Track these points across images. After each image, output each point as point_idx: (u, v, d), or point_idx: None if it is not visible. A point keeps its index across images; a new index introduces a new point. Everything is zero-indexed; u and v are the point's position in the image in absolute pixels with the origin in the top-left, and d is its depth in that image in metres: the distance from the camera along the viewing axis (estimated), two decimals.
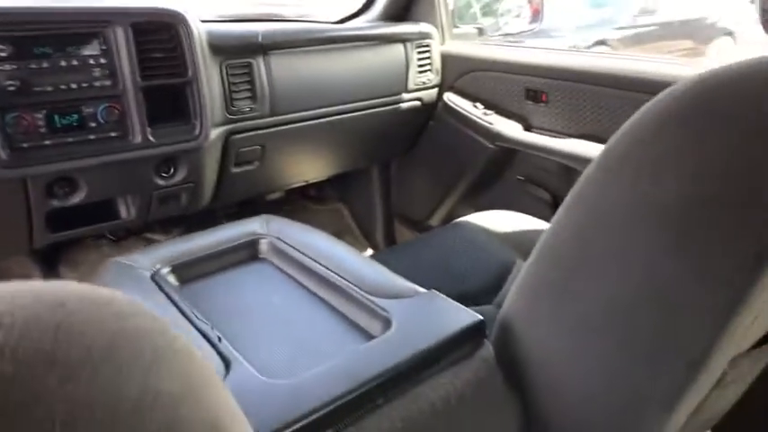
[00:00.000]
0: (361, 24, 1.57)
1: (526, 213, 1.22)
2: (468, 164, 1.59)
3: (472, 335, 0.64)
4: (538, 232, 0.65)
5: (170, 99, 1.15)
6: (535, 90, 1.40)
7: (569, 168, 1.34)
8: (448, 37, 1.64)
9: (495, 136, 1.46)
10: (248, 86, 1.27)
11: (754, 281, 0.47)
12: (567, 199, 0.60)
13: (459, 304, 0.68)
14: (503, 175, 1.56)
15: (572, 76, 1.30)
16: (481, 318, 0.65)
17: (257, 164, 1.40)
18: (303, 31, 1.35)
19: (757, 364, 0.68)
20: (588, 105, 1.29)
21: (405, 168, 1.84)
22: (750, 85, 0.47)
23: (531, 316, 0.63)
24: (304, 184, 1.68)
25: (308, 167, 1.59)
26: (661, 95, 0.53)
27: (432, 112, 1.65)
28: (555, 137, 1.36)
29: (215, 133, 1.23)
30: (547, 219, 0.75)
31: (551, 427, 0.62)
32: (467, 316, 0.65)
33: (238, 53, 1.25)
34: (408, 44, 1.51)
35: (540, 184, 1.45)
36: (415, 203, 1.83)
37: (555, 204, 1.35)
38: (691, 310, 0.50)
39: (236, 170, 1.37)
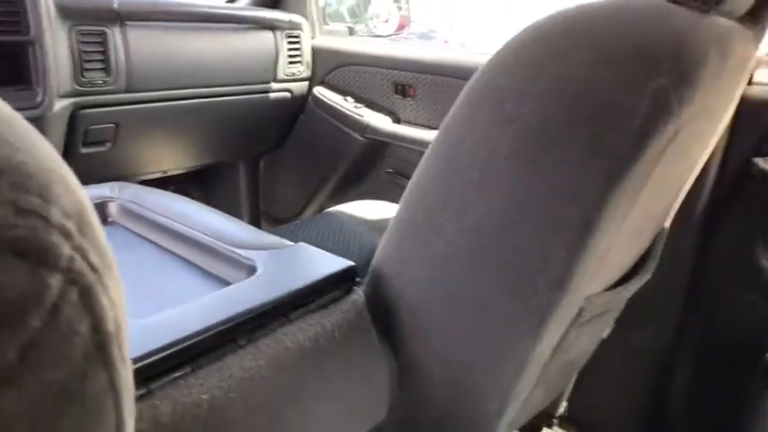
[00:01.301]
0: (230, 5, 1.53)
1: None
2: (338, 157, 1.58)
3: (342, 280, 0.61)
4: None
5: (10, 60, 1.03)
6: (403, 84, 1.44)
7: None
8: (318, 31, 1.63)
9: (365, 128, 1.47)
10: (101, 57, 1.17)
11: (605, 199, 0.50)
12: (432, 143, 0.60)
13: (329, 253, 0.65)
14: (373, 168, 1.57)
15: (438, 69, 1.36)
16: (352, 263, 0.63)
17: (109, 145, 1.28)
18: (165, 4, 1.27)
19: (608, 304, 0.73)
20: (455, 98, 1.34)
21: (273, 166, 1.79)
22: (608, 12, 0.51)
23: (399, 258, 0.62)
24: (162, 175, 1.56)
25: (167, 156, 1.49)
26: (518, 33, 0.55)
27: (302, 105, 1.63)
28: (423, 130, 1.40)
29: (60, 104, 1.11)
30: None
31: (420, 367, 0.61)
32: (337, 262, 0.62)
33: (91, 19, 1.14)
34: (278, 33, 1.49)
35: (410, 176, 1.48)
36: (285, 202, 1.79)
37: None
38: (550, 228, 0.51)
39: (84, 150, 1.24)
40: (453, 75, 1.33)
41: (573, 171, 0.50)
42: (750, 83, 1.02)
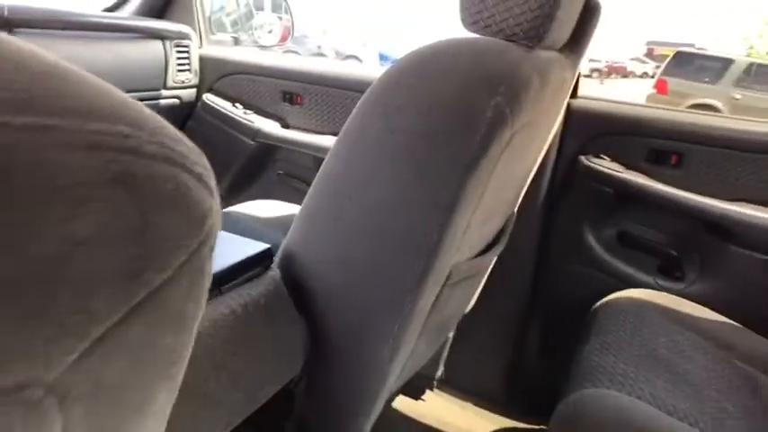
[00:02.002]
0: (120, 16, 1.56)
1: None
2: (229, 162, 1.67)
3: (261, 259, 0.74)
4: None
5: None
6: (291, 93, 1.57)
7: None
8: (206, 42, 1.71)
9: (255, 133, 1.58)
10: None
11: (464, 187, 0.67)
12: (333, 145, 0.75)
13: (246, 238, 0.77)
14: (264, 171, 1.68)
15: (324, 81, 1.51)
16: (268, 246, 0.76)
17: None
18: (55, 12, 1.30)
19: (471, 270, 0.92)
20: (339, 106, 1.51)
21: None
22: (467, 46, 0.69)
23: (307, 239, 0.76)
24: None
25: None
26: (401, 60, 0.72)
27: (190, 111, 1.69)
28: (311, 135, 1.54)
29: None
30: None
31: (325, 324, 0.75)
32: (255, 246, 0.75)
33: None
34: (168, 42, 1.55)
35: (300, 177, 1.61)
36: None
37: None
38: (426, 210, 0.68)
39: None
40: (337, 86, 1.49)
41: (441, 167, 0.67)
42: (575, 96, 1.29)
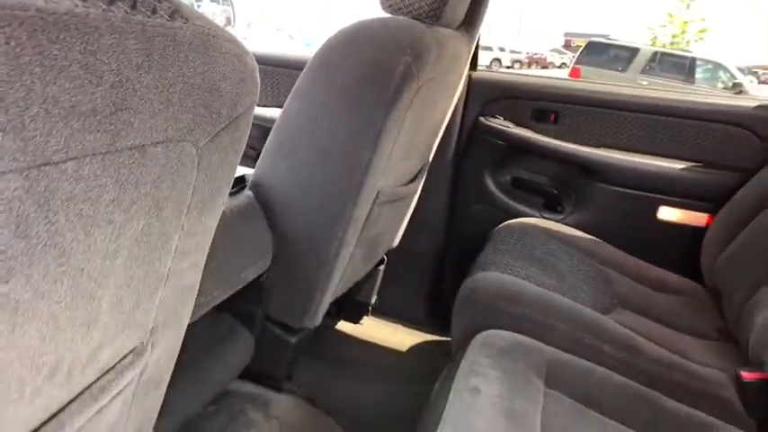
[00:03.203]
0: None
1: None
2: None
3: (237, 182, 0.99)
4: None
5: None
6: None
7: None
8: None
9: None
10: None
11: (384, 125, 0.95)
12: (288, 100, 1.01)
13: None
14: None
15: (270, 61, 1.75)
16: (242, 174, 1.01)
17: None
18: None
19: (395, 196, 1.20)
20: (284, 84, 1.75)
21: None
22: (384, 23, 0.97)
23: (272, 166, 1.02)
24: None
25: None
26: (336, 33, 0.99)
27: None
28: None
29: None
30: None
31: (286, 228, 1.01)
32: None
33: None
34: None
35: (248, 144, 1.84)
36: None
37: None
38: (357, 145, 0.95)
39: None
40: (280, 65, 1.73)
41: (368, 108, 0.95)
42: (474, 68, 1.60)
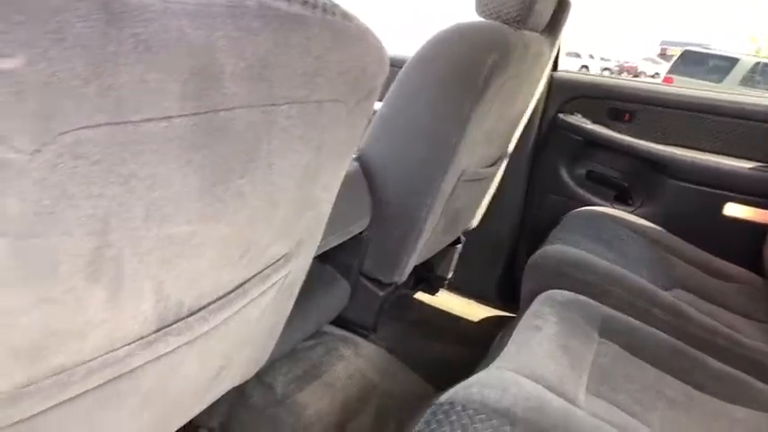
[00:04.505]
0: None
1: None
2: None
3: None
4: None
5: None
6: None
7: None
8: None
9: None
10: None
11: (474, 109, 1.13)
12: (393, 85, 1.21)
13: None
14: None
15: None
16: None
17: None
18: None
19: (477, 175, 1.38)
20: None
21: None
22: (477, 26, 1.15)
23: (376, 141, 1.22)
24: None
25: None
26: (435, 34, 1.18)
27: None
28: None
29: None
30: None
31: (385, 193, 1.21)
32: None
33: None
34: None
35: None
36: None
37: None
38: (449, 120, 1.14)
39: None
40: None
41: (459, 96, 1.13)
42: (555, 69, 1.74)
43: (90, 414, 0.53)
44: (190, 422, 0.99)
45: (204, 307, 0.61)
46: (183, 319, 0.58)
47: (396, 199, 1.23)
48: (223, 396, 0.95)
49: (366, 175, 1.22)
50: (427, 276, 1.81)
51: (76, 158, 0.37)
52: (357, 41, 0.62)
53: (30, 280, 0.39)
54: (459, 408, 0.66)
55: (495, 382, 0.72)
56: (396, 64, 1.96)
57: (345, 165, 0.78)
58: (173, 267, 0.53)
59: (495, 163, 1.50)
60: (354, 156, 1.23)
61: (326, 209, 0.80)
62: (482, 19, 1.25)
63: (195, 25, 0.39)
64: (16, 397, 0.44)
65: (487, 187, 1.62)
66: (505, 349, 0.90)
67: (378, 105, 1.80)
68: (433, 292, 1.86)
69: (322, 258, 1.29)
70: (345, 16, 0.60)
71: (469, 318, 1.79)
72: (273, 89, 0.51)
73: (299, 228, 0.74)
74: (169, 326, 0.56)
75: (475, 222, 1.70)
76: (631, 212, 1.67)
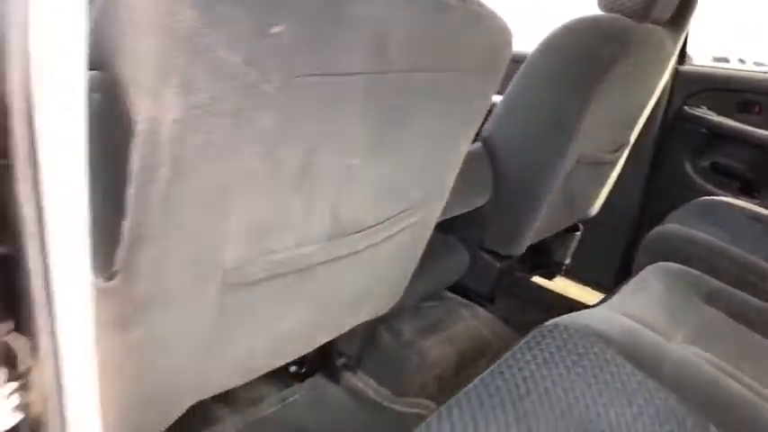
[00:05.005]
0: None
1: None
2: None
3: None
4: None
5: None
6: None
7: None
8: None
9: None
10: None
11: (594, 93, 1.24)
12: (517, 73, 1.34)
13: None
14: None
15: None
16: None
17: None
18: None
19: (594, 159, 1.47)
20: None
21: None
22: (601, 18, 1.26)
23: (499, 124, 1.37)
24: None
25: None
26: (559, 27, 1.30)
27: None
28: None
29: None
30: None
31: (506, 175, 1.35)
32: None
33: None
34: None
35: None
36: None
37: None
38: (569, 104, 1.26)
39: None
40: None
41: (576, 87, 1.24)
42: (682, 62, 1.78)
43: (285, 291, 0.74)
44: (332, 347, 1.20)
45: (361, 230, 0.80)
46: (347, 235, 0.77)
47: (516, 177, 1.36)
48: (359, 330, 1.15)
49: (489, 154, 1.37)
50: (545, 261, 1.90)
51: (302, 97, 0.57)
52: (488, 23, 0.78)
53: (268, 179, 0.60)
54: (561, 328, 0.80)
55: (597, 313, 0.84)
56: (515, 59, 2.09)
57: (474, 129, 0.94)
58: (345, 193, 0.72)
59: (617, 150, 1.57)
60: (480, 138, 1.39)
61: (455, 168, 0.96)
62: (603, 12, 1.35)
63: (382, 5, 0.58)
64: (242, 266, 0.65)
65: (608, 174, 1.69)
66: (610, 299, 1.01)
67: (497, 98, 1.94)
68: (550, 277, 1.95)
69: (446, 229, 1.45)
70: (479, 4, 0.76)
71: (585, 301, 1.87)
72: (426, 59, 0.69)
73: (431, 180, 0.92)
74: (337, 238, 0.76)
75: (594, 210, 1.78)
76: (757, 204, 1.66)
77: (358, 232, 0.79)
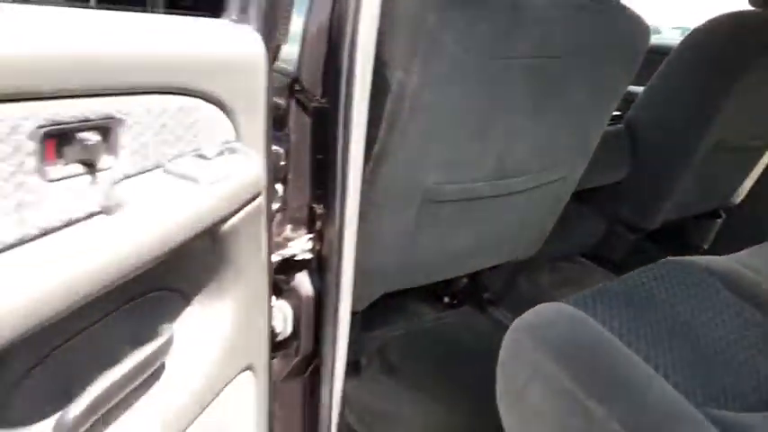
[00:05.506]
0: None
1: None
2: None
3: (614, 118, 1.55)
4: None
5: None
6: None
7: None
8: None
9: None
10: None
11: (732, 86, 1.37)
12: (664, 63, 1.50)
13: None
14: None
15: None
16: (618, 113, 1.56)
17: None
18: None
19: (739, 142, 1.58)
20: None
21: None
22: (743, 14, 1.39)
23: (643, 106, 1.54)
24: None
25: None
26: (703, 24, 1.44)
27: None
28: None
29: None
30: None
31: (644, 153, 1.52)
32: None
33: None
34: None
35: None
36: None
37: None
38: (707, 95, 1.40)
39: None
40: None
41: (719, 75, 1.38)
42: None
43: (459, 214, 1.03)
44: (480, 282, 1.48)
45: (519, 176, 1.06)
46: (507, 178, 1.04)
47: (653, 157, 1.53)
48: (503, 271, 1.41)
49: (630, 136, 1.55)
50: (681, 243, 2.01)
51: (490, 72, 0.84)
52: (628, 21, 1.00)
53: (457, 129, 0.89)
54: (680, 263, 1.00)
55: (714, 258, 1.03)
56: (656, 51, 2.19)
57: (614, 106, 1.14)
58: (509, 144, 0.99)
59: (762, 138, 1.66)
60: (623, 121, 1.57)
61: (596, 136, 1.18)
62: (751, 7, 1.46)
63: (547, 8, 0.84)
64: (436, 188, 0.94)
65: (753, 161, 1.76)
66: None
67: (638, 89, 2.07)
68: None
69: (585, 200, 1.65)
70: (623, 7, 0.98)
71: None
72: (578, 49, 0.93)
73: (577, 142, 1.14)
74: (500, 180, 1.03)
75: (737, 199, 1.85)
76: None
77: (516, 177, 1.05)
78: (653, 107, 1.52)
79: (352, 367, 0.94)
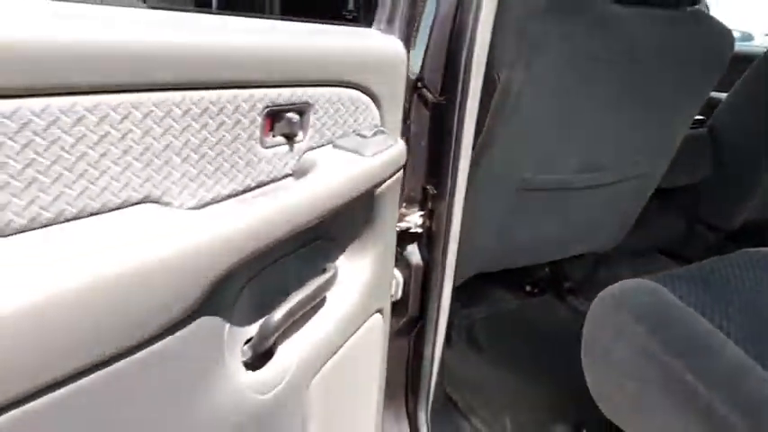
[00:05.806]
0: None
1: None
2: None
3: (696, 121, 1.60)
4: None
5: None
6: None
7: None
8: None
9: None
10: None
11: None
12: (749, 70, 1.55)
13: None
14: None
15: None
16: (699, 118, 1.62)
17: None
18: None
19: None
20: None
21: None
22: None
23: (723, 112, 1.58)
24: None
25: None
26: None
27: None
28: None
29: None
30: None
31: (727, 153, 1.57)
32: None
33: None
34: None
35: None
36: None
37: None
38: None
39: None
40: None
41: None
42: None
43: (547, 203, 1.14)
44: (561, 272, 1.57)
45: (603, 170, 1.16)
46: (591, 171, 1.14)
47: (734, 161, 1.58)
48: (584, 262, 1.50)
49: (712, 139, 1.60)
50: (763, 243, 2.01)
51: (579, 72, 0.96)
52: (712, 30, 1.08)
53: (547, 128, 1.00)
54: (751, 253, 1.07)
55: None
56: (743, 58, 2.22)
57: (697, 108, 1.22)
58: (593, 139, 1.09)
59: None
60: (706, 125, 1.63)
61: (679, 135, 1.25)
62: None
63: (631, 15, 0.94)
64: (531, 177, 1.06)
65: None
66: None
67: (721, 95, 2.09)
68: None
69: (666, 200, 1.71)
70: (707, 15, 1.07)
71: None
72: (661, 53, 1.03)
73: (660, 140, 1.23)
74: (584, 173, 1.13)
75: None
76: None
77: (600, 171, 1.15)
78: (736, 111, 1.56)
79: (446, 338, 1.06)
